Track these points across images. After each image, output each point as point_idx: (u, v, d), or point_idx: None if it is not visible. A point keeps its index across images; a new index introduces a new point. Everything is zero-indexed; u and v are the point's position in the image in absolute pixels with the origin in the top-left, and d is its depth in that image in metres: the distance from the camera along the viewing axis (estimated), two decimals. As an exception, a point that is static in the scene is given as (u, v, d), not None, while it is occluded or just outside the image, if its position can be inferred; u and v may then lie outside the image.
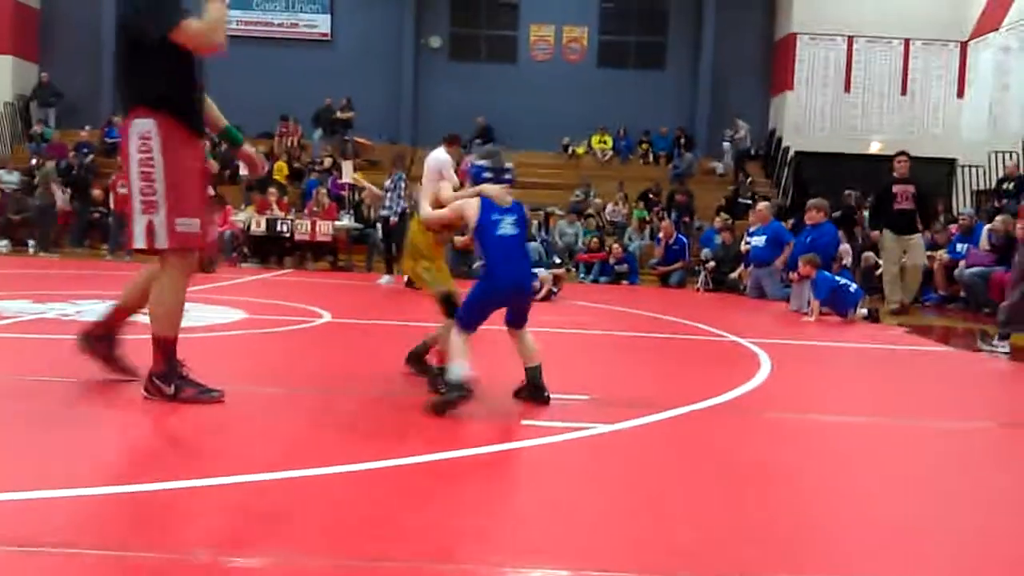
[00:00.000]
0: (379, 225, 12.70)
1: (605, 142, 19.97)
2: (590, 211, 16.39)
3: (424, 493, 2.58)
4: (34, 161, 16.75)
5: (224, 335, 5.71)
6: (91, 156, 17.24)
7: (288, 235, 14.11)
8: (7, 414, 3.36)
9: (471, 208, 3.79)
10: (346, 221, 14.65)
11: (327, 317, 6.84)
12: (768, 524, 2.41)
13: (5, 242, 14.46)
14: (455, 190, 4.24)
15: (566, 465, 2.97)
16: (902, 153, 10.24)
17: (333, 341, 5.96)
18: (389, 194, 11.51)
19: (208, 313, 6.82)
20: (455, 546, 2.14)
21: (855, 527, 2.46)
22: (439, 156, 9.34)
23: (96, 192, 15.54)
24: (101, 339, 3.85)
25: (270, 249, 14.31)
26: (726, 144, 19.45)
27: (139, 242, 3.48)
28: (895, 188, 9.95)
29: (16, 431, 3.11)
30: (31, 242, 14.46)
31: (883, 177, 10.64)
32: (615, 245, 14.16)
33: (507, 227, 3.78)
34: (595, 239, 14.47)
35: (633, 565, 2.05)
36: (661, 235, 14.28)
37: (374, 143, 19.60)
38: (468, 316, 3.70)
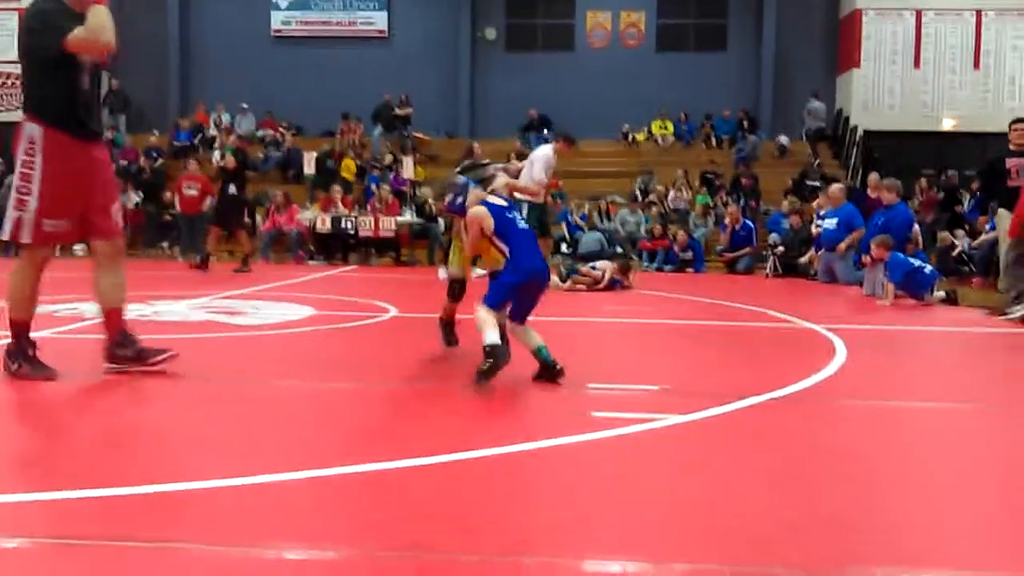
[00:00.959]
0: (441, 220, 12.79)
1: (666, 127, 19.70)
2: (652, 198, 16.19)
3: (497, 486, 2.57)
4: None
5: (295, 332, 5.79)
6: (160, 159, 17.70)
7: (352, 232, 14.29)
8: (88, 412, 3.46)
9: (484, 216, 4.05)
10: (408, 216, 14.77)
11: (393, 312, 6.90)
12: (850, 513, 2.33)
13: (82, 245, 14.97)
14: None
15: (640, 456, 2.93)
16: (1019, 120, 8.67)
17: (400, 335, 6.00)
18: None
19: (278, 310, 6.94)
20: (532, 539, 2.12)
21: (937, 516, 2.37)
22: (545, 152, 9.40)
23: (168, 195, 15.96)
24: (119, 345, 4.07)
25: (335, 246, 14.51)
26: (809, 112, 18.93)
27: (5, 234, 3.87)
28: (1009, 162, 8.38)
29: (95, 428, 3.20)
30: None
31: (956, 155, 10.10)
32: (679, 232, 13.97)
33: (521, 222, 4.12)
34: (658, 226, 14.30)
35: (713, 556, 2.01)
36: (727, 221, 14.02)
37: (433, 138, 19.72)
38: (495, 297, 3.97)
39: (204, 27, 20.73)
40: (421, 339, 5.83)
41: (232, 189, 11.33)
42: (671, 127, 19.68)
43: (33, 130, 3.81)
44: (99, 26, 3.69)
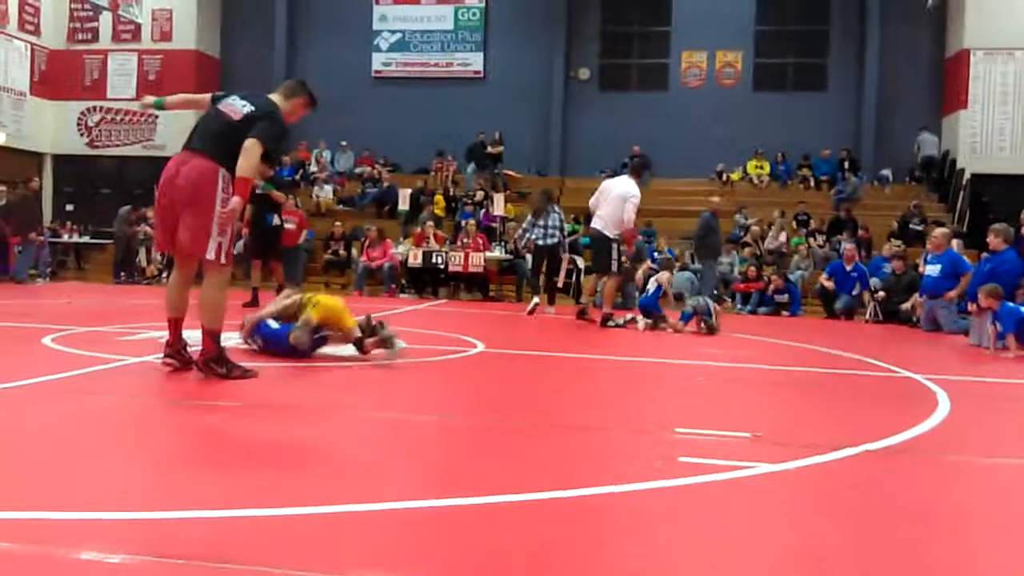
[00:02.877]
0: (529, 256, 12.87)
1: (762, 167, 19.40)
2: (747, 239, 15.93)
3: (579, 528, 2.54)
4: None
5: (387, 364, 5.89)
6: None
7: (443, 266, 14.51)
8: (181, 436, 3.60)
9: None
10: (497, 252, 14.92)
11: (481, 347, 6.95)
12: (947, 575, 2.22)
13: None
14: None
15: (727, 506, 2.85)
16: None
17: (487, 371, 6.04)
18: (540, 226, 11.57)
19: (369, 342, 7.07)
20: (613, 585, 2.09)
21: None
22: (635, 191, 9.53)
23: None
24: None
25: (426, 280, 14.76)
26: (919, 144, 18.46)
27: (211, 255, 4.65)
28: None
29: (187, 452, 3.33)
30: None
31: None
32: (774, 275, 13.66)
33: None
34: (752, 268, 14.03)
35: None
36: (844, 258, 13.34)
37: (523, 176, 19.95)
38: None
39: (309, 67, 21.60)
40: (506, 375, 5.86)
41: (276, 220, 10.98)
42: (767, 167, 19.38)
43: (227, 176, 4.66)
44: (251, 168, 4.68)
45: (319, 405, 4.38)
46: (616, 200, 9.34)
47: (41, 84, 21.13)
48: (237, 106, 4.83)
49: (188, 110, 5.59)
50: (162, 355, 4.94)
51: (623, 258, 10.18)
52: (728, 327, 9.69)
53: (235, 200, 4.60)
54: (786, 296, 13.30)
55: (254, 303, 10.72)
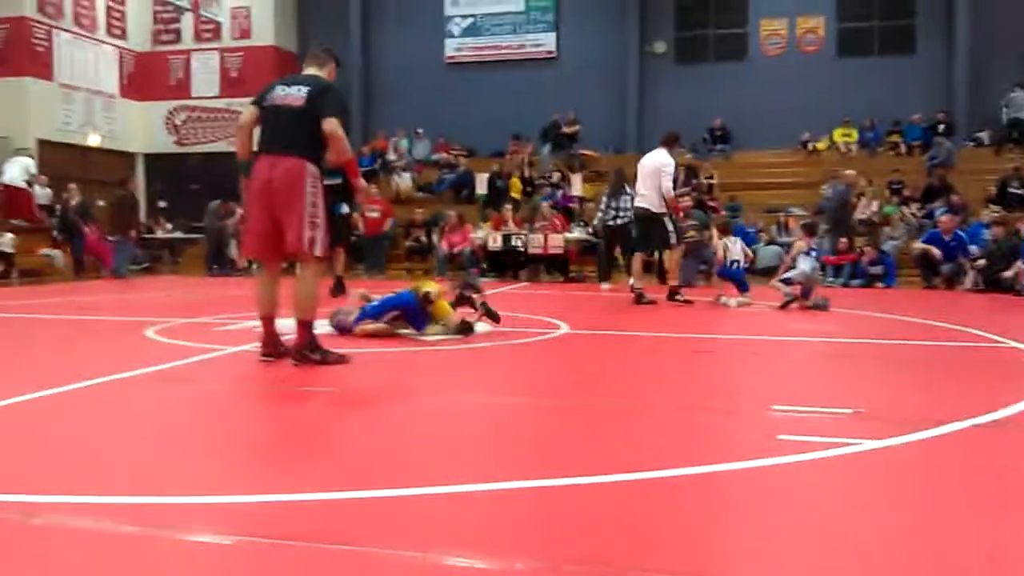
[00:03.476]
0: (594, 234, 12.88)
1: (849, 135, 18.73)
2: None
3: (681, 506, 2.51)
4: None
5: (474, 347, 5.94)
6: (346, 183, 18.71)
7: (523, 249, 14.51)
8: (278, 422, 3.69)
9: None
10: (576, 233, 14.84)
11: (565, 328, 6.93)
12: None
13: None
14: None
15: (829, 484, 2.77)
16: None
17: (572, 351, 6.03)
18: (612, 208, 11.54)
19: (455, 326, 7.13)
20: (716, 562, 2.05)
21: None
22: (670, 160, 9.23)
23: (353, 217, 16.81)
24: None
25: (507, 263, 14.79)
26: (1008, 103, 17.58)
27: (318, 251, 4.76)
28: None
29: (286, 436, 3.41)
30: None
31: None
32: (867, 246, 13.20)
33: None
34: (843, 240, 13.58)
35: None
36: (940, 228, 12.77)
37: (600, 155, 19.74)
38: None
39: (383, 57, 21.83)
40: (593, 355, 5.83)
41: (345, 208, 10.51)
42: (855, 134, 18.70)
43: (315, 171, 4.77)
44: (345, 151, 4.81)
45: (412, 388, 4.44)
46: (652, 175, 9.18)
47: (129, 86, 21.90)
48: (293, 92, 4.82)
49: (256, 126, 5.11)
50: (259, 351, 5.06)
51: (683, 229, 10.06)
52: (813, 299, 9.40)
53: (362, 184, 5.16)
54: (880, 267, 12.85)
55: (338, 291, 10.89)
